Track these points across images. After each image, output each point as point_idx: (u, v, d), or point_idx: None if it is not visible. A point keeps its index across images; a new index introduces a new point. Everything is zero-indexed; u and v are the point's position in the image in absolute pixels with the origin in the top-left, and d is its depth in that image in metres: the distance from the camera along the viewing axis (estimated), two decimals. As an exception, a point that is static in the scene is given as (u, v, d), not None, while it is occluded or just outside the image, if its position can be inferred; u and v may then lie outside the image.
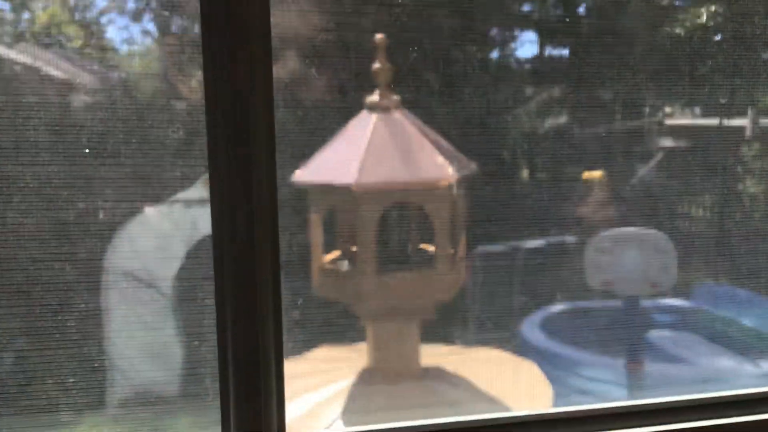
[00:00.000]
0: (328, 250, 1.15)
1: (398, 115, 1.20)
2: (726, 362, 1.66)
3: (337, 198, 1.13)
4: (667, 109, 1.38)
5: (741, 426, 1.10)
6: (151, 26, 1.03)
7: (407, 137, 1.16)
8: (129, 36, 1.03)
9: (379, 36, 1.11)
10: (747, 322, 1.57)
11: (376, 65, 1.13)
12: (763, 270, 1.38)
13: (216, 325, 0.91)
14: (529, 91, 1.26)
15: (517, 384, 1.25)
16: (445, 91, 1.13)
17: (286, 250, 1.10)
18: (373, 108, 1.19)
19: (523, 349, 1.44)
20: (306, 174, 1.07)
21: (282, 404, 0.96)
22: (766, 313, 1.48)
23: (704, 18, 1.28)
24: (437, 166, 1.18)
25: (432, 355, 1.19)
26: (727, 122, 1.37)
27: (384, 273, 1.15)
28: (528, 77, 1.28)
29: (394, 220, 1.16)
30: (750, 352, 1.58)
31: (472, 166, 1.16)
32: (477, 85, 1.14)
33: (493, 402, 1.22)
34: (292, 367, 1.14)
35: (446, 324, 1.18)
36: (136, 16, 1.04)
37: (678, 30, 1.29)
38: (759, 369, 1.51)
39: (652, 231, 1.38)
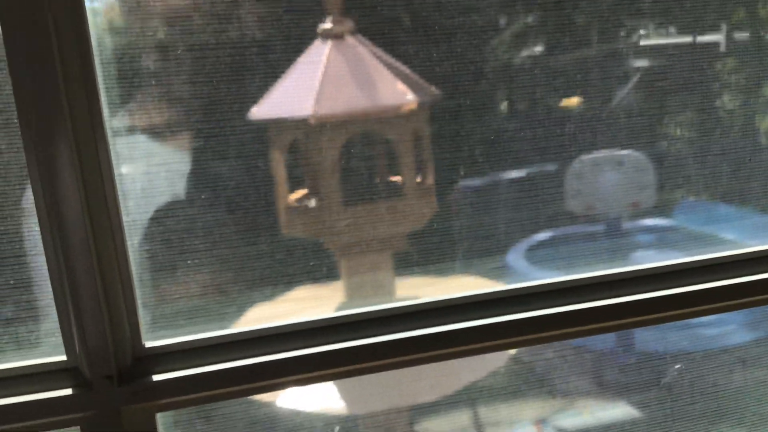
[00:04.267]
0: (294, 188, 1.12)
1: (353, 42, 1.13)
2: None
3: (296, 132, 1.09)
4: (642, 31, 1.35)
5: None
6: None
7: (364, 64, 1.10)
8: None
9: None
10: (728, 236, 1.55)
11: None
12: (742, 184, 1.36)
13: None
14: (498, 16, 1.22)
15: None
16: (405, 18, 1.09)
17: (251, 192, 1.07)
18: (326, 36, 1.11)
19: (505, 277, 1.42)
20: (262, 110, 1.01)
21: (134, 312, 0.90)
22: (746, 226, 1.45)
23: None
24: (397, 92, 1.12)
25: (407, 286, 1.16)
26: (701, 39, 1.33)
27: (351, 206, 1.11)
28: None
29: (358, 152, 1.12)
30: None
31: (433, 91, 1.12)
32: (441, 10, 1.09)
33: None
34: (271, 309, 1.12)
35: (420, 255, 1.16)
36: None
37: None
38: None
39: (631, 152, 1.35)
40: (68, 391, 0.89)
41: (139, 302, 0.92)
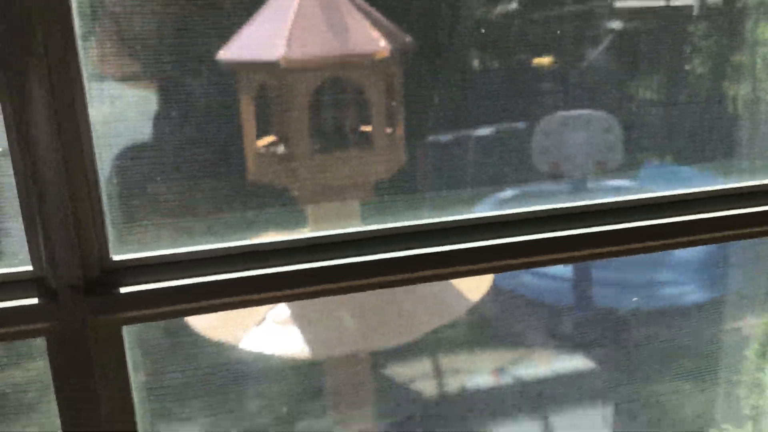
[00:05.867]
0: (262, 134, 1.10)
1: (326, -16, 1.11)
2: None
3: (265, 76, 1.07)
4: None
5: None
6: None
7: (337, 7, 1.07)
8: None
9: None
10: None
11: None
12: (707, 147, 1.37)
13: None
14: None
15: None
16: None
17: (217, 138, 1.05)
18: (299, -23, 1.09)
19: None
20: (230, 52, 0.98)
21: (102, 224, 0.88)
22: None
23: None
24: (370, 38, 1.10)
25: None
26: (674, 2, 1.33)
27: (320, 153, 1.11)
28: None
29: (329, 99, 1.11)
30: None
31: (407, 40, 1.11)
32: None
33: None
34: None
35: (387, 206, 1.16)
36: None
37: None
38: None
39: (599, 112, 1.36)
40: (33, 301, 0.87)
41: (107, 214, 0.90)
